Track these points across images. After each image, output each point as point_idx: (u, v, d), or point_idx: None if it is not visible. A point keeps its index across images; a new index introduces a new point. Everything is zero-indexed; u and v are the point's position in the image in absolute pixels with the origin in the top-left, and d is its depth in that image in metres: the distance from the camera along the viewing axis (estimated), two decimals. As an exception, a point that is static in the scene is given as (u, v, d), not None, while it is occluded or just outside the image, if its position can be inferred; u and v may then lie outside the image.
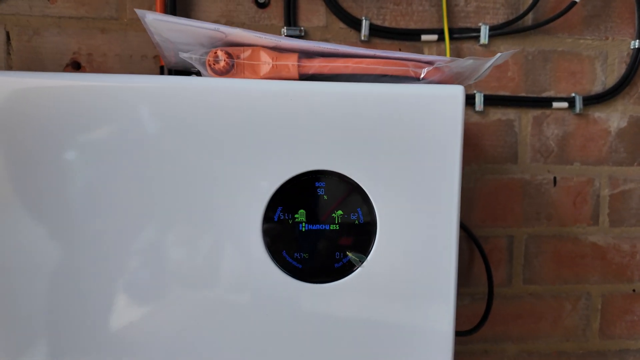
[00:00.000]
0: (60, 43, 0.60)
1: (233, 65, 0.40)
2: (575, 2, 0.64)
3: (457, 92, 0.40)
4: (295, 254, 0.40)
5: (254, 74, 0.41)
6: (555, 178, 0.69)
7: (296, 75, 0.41)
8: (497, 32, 0.65)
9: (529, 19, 0.66)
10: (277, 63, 0.40)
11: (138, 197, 0.38)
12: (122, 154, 0.38)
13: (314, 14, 0.64)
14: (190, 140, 0.39)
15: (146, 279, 0.39)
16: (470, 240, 0.68)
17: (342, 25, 0.64)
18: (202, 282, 0.40)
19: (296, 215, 0.40)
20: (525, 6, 0.66)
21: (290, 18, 0.62)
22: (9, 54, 0.60)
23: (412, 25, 0.64)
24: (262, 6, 0.62)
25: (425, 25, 0.65)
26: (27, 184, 0.38)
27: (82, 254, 0.38)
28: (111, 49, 0.61)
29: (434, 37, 0.64)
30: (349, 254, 0.41)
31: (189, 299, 0.40)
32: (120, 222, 0.39)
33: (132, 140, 0.38)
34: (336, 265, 0.41)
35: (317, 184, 0.40)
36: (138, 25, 0.61)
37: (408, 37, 0.64)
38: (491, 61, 0.43)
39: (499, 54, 0.43)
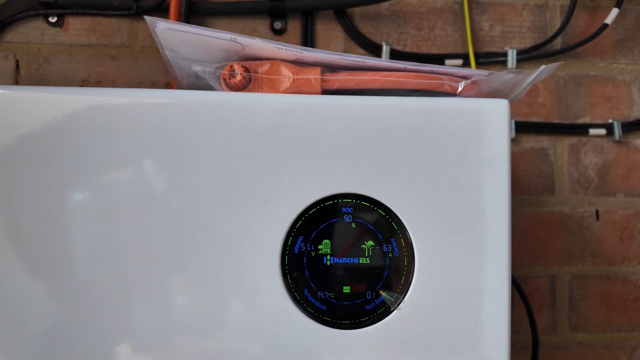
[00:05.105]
0: (69, 71, 0.58)
1: (250, 79, 0.37)
2: (607, 25, 0.61)
3: (501, 106, 0.36)
4: (319, 293, 0.34)
5: (273, 89, 0.37)
6: (597, 211, 0.63)
7: (319, 90, 0.37)
8: (525, 56, 0.61)
9: (557, 43, 0.63)
10: (298, 77, 0.36)
11: (143, 224, 0.34)
12: (124, 186, 0.34)
13: (332, 40, 0.61)
14: (202, 160, 0.34)
15: (149, 323, 0.33)
16: (508, 281, 0.61)
17: (361, 51, 0.61)
18: (211, 327, 0.34)
19: (320, 247, 0.35)
20: (553, 30, 0.63)
21: (308, 44, 0.60)
22: (16, 82, 0.58)
23: (435, 50, 0.61)
24: (278, 32, 0.60)
25: (449, 50, 0.61)
26: (25, 226, 0.33)
27: (83, 301, 0.33)
28: (120, 76, 0.58)
29: (459, 61, 0.61)
30: (383, 294, 0.34)
31: (197, 346, 0.34)
32: (122, 257, 0.33)
33: (136, 166, 0.34)
34: (367, 307, 0.34)
35: (344, 210, 0.35)
36: (150, 53, 0.59)
37: (431, 62, 0.61)
38: (534, 75, 0.39)
39: (542, 66, 0.38)
